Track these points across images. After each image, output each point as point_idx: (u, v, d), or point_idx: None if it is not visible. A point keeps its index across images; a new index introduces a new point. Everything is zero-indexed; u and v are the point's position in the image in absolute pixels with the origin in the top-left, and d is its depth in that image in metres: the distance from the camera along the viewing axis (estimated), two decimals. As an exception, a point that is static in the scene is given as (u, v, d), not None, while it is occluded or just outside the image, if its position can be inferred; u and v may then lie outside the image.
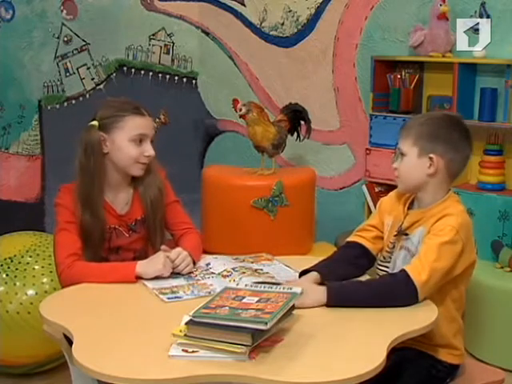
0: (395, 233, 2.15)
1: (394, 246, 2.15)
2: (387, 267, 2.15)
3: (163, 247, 2.26)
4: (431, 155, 2.06)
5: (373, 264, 2.24)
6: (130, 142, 2.29)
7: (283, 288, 1.86)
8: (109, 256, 2.36)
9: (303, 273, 2.12)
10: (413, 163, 2.08)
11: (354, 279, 2.11)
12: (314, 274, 2.08)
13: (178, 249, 2.27)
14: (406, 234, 2.12)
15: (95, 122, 2.30)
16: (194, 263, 2.29)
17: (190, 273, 2.24)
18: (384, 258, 2.19)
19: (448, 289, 2.06)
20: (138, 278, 2.17)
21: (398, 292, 1.95)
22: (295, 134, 3.80)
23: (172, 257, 2.22)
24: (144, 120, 2.32)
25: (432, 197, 2.10)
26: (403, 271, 1.97)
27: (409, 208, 2.17)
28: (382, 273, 2.15)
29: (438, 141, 2.06)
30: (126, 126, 2.28)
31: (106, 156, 2.31)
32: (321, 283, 2.05)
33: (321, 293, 1.95)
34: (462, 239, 2.01)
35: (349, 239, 2.27)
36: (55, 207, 2.32)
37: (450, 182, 2.14)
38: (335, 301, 1.93)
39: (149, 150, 2.31)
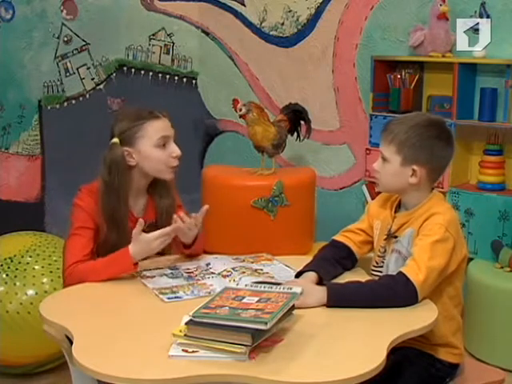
0: (385, 236, 2.16)
1: (385, 250, 2.16)
2: (380, 272, 2.16)
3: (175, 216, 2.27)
4: (414, 167, 2.06)
5: (354, 266, 2.25)
6: (155, 147, 2.29)
7: (283, 288, 1.86)
8: None
9: (299, 274, 2.13)
10: (395, 171, 2.09)
11: (354, 280, 2.11)
12: (313, 274, 2.08)
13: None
14: (396, 237, 2.12)
15: (116, 140, 2.28)
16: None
17: (190, 272, 2.24)
18: (377, 262, 2.19)
19: (443, 286, 2.07)
20: (136, 264, 2.18)
21: (398, 293, 1.95)
22: (295, 133, 3.80)
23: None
24: (162, 122, 2.32)
25: (416, 199, 2.12)
26: (401, 273, 1.98)
27: (396, 211, 2.17)
28: (376, 278, 2.15)
29: (422, 151, 2.06)
30: (147, 133, 2.28)
31: (134, 168, 2.31)
32: (319, 283, 2.06)
33: (321, 292, 1.95)
34: (452, 235, 2.02)
35: (336, 238, 2.28)
36: (73, 207, 2.30)
37: (432, 184, 2.15)
38: (335, 301, 1.93)
39: (175, 150, 2.32)
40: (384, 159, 2.11)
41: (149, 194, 2.41)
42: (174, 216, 2.27)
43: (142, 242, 2.19)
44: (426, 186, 2.12)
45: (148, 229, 2.38)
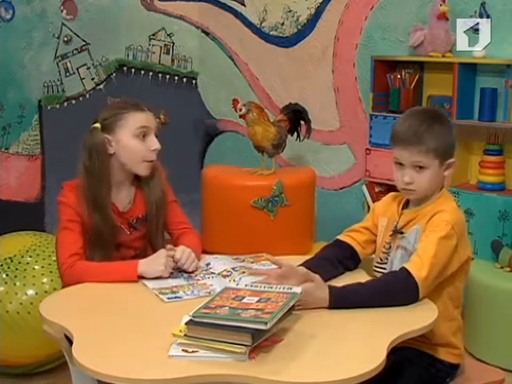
0: (390, 232, 2.15)
1: (390, 247, 2.16)
2: (384, 269, 2.15)
3: (169, 246, 2.27)
4: (450, 160, 2.10)
5: (357, 267, 2.25)
6: (134, 138, 2.29)
7: (283, 288, 1.86)
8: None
9: None
10: (436, 173, 2.08)
11: (355, 282, 2.10)
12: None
13: (182, 247, 2.27)
14: (402, 233, 2.12)
15: (97, 124, 2.30)
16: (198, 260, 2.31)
17: (190, 272, 2.24)
18: (381, 259, 2.18)
19: (445, 286, 2.07)
20: (140, 277, 2.18)
21: (400, 289, 1.95)
22: (295, 133, 3.80)
23: (177, 256, 2.22)
24: (145, 114, 2.33)
25: (428, 195, 2.12)
26: (403, 269, 1.98)
27: (403, 208, 2.17)
28: (379, 275, 2.14)
29: (451, 147, 2.11)
30: (127, 122, 2.29)
31: (112, 156, 2.31)
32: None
33: (321, 292, 1.94)
34: (456, 234, 2.02)
35: (340, 238, 2.27)
36: (58, 205, 2.31)
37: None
38: (337, 303, 1.92)
39: (154, 143, 2.32)
40: (420, 167, 2.07)
41: (137, 187, 2.40)
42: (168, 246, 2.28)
43: (154, 256, 2.21)
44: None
45: (138, 223, 2.38)
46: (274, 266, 2.31)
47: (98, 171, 2.28)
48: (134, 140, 2.29)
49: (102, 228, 2.28)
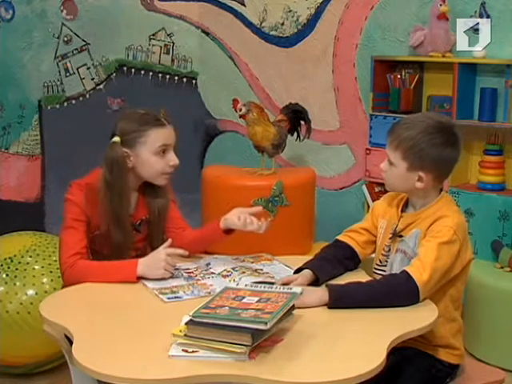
0: (390, 235, 2.15)
1: (389, 249, 2.16)
2: (384, 271, 2.15)
3: (168, 243, 2.26)
4: (420, 173, 2.05)
5: (357, 267, 2.25)
6: (154, 155, 2.29)
7: (283, 288, 1.86)
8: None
9: (298, 271, 2.13)
10: (401, 175, 2.08)
11: (355, 280, 2.11)
12: (309, 273, 2.09)
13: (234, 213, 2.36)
14: (401, 236, 2.12)
15: (117, 138, 2.28)
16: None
17: (190, 272, 2.24)
18: (380, 261, 2.18)
19: (447, 288, 2.07)
20: (140, 278, 2.18)
21: (400, 292, 1.95)
22: (295, 133, 3.80)
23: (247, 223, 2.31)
24: (166, 130, 2.31)
25: (424, 199, 2.12)
26: (404, 272, 1.98)
27: (402, 210, 2.17)
28: (379, 277, 2.15)
29: (429, 159, 2.04)
30: (148, 140, 2.27)
31: (130, 170, 2.31)
32: (315, 281, 2.07)
33: (321, 293, 1.95)
34: (459, 239, 2.02)
35: (339, 238, 2.27)
36: (65, 202, 2.30)
37: (440, 186, 2.15)
38: (337, 302, 1.93)
39: (173, 159, 2.32)
40: (390, 163, 2.10)
41: (139, 190, 2.40)
42: (170, 240, 2.28)
43: (153, 252, 2.22)
44: (433, 189, 2.11)
45: (141, 225, 2.38)
46: (274, 267, 2.32)
47: (118, 186, 2.27)
48: (153, 156, 2.29)
49: (122, 243, 2.29)
